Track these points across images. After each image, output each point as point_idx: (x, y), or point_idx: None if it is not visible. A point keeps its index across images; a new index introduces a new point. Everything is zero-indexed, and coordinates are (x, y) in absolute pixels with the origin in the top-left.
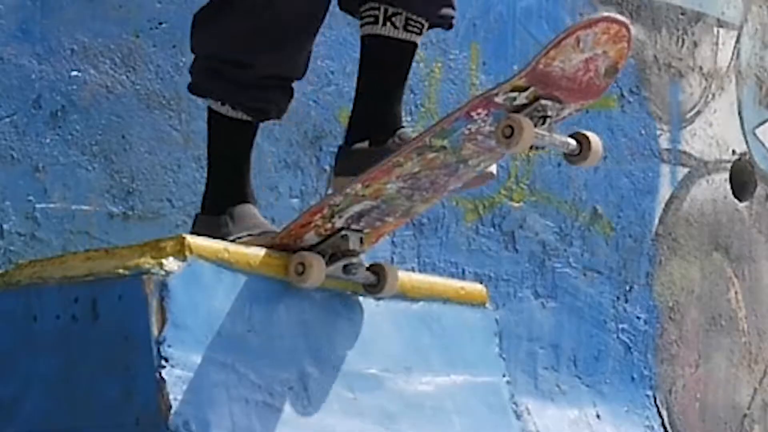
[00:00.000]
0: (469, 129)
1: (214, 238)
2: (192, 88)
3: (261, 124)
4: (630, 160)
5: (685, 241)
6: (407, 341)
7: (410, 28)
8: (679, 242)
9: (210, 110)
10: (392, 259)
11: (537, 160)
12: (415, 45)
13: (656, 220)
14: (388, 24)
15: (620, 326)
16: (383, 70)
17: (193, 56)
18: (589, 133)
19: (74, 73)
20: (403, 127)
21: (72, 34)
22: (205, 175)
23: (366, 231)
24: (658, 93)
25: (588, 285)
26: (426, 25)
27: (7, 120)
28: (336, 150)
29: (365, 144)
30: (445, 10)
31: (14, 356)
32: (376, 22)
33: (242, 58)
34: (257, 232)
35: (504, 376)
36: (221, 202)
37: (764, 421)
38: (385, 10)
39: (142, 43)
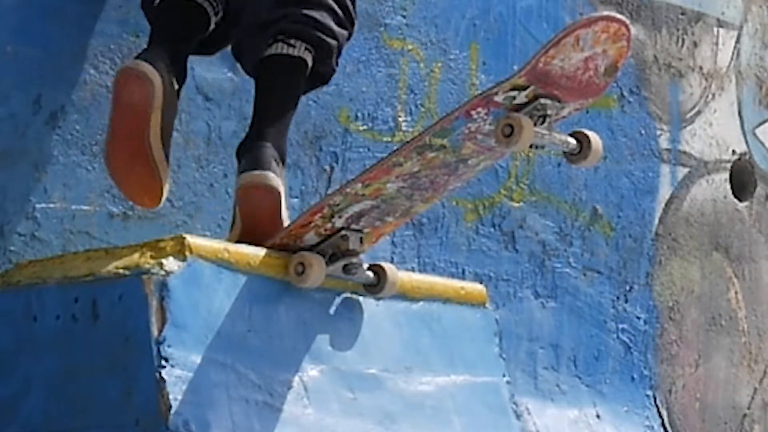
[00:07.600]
0: (469, 128)
1: None
2: None
3: None
4: (630, 160)
5: (685, 241)
6: (407, 341)
7: None
8: (679, 242)
9: None
10: (392, 259)
11: (537, 160)
12: None
13: (656, 220)
14: None
15: (620, 326)
16: None
17: None
18: (589, 132)
19: (74, 73)
20: None
21: (72, 34)
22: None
23: (366, 231)
24: (658, 93)
25: (588, 285)
26: None
27: (7, 120)
28: (335, 150)
29: None
30: None
31: (14, 356)
32: None
33: None
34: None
35: (504, 376)
36: None
37: (764, 421)
38: None
39: (142, 43)
